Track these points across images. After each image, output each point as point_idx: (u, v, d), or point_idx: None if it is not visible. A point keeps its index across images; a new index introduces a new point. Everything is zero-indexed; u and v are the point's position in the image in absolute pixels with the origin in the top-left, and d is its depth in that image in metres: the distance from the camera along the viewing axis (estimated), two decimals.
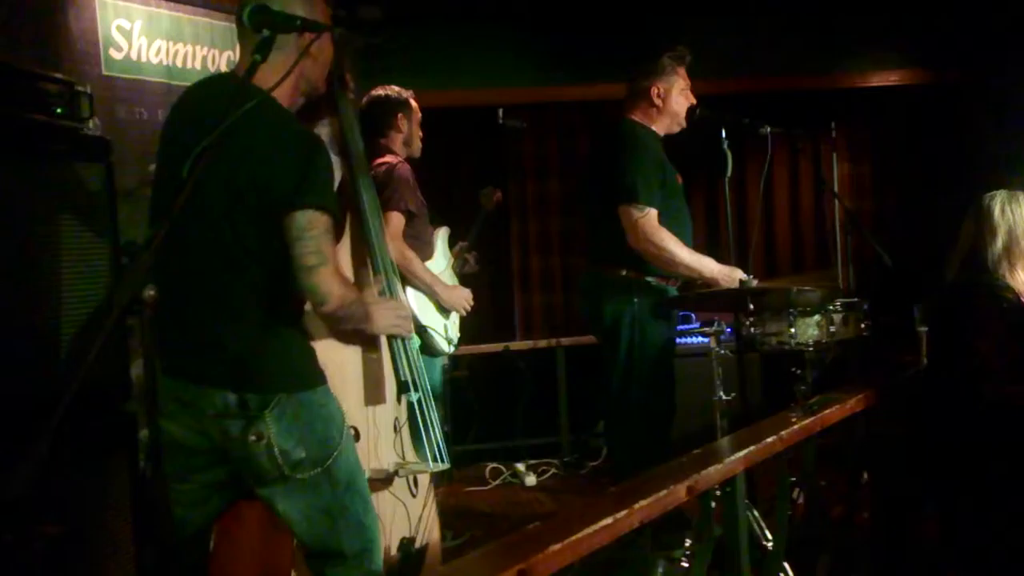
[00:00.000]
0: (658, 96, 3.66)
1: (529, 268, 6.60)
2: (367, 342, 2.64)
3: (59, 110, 2.59)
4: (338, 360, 2.54)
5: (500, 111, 5.95)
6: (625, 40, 5.99)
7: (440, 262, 4.07)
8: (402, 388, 2.68)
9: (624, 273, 3.61)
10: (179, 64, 4.09)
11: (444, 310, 3.94)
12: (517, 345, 5.91)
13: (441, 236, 4.18)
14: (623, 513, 1.84)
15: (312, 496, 2.17)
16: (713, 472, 2.15)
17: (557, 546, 1.65)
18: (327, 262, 2.08)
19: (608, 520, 1.80)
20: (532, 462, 5.31)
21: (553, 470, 5.27)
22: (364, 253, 2.72)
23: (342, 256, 2.60)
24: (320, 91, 2.41)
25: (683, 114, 3.68)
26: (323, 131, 2.67)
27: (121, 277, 1.39)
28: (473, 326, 6.32)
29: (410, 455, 2.75)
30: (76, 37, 3.74)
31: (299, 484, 2.14)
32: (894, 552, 3.41)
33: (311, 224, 2.05)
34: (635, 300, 3.60)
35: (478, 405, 5.58)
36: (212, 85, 2.34)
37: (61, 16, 3.70)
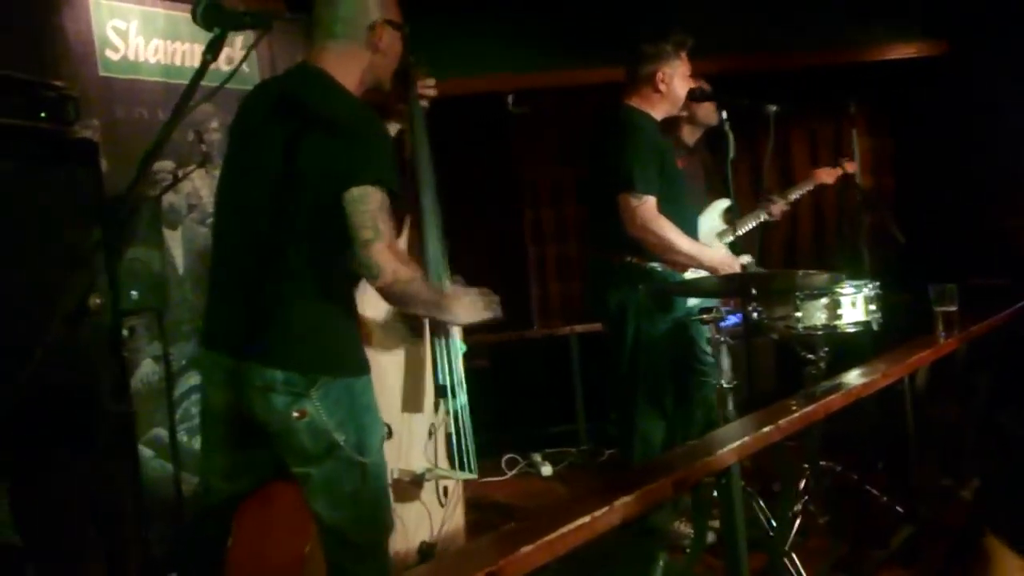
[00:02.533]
0: (662, 82, 3.61)
1: (545, 256, 6.55)
2: (413, 340, 2.64)
3: (43, 114, 2.58)
4: (382, 364, 2.53)
5: (509, 97, 5.93)
6: (637, 20, 5.91)
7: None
8: (440, 392, 2.65)
9: (627, 260, 3.56)
10: (177, 63, 4.07)
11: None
12: (532, 333, 5.86)
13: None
14: (602, 511, 1.79)
15: (344, 479, 2.22)
16: (702, 465, 2.10)
17: (529, 548, 1.61)
18: (381, 236, 2.09)
19: (585, 519, 1.75)
20: (549, 451, 5.28)
21: (570, 459, 5.23)
22: (419, 257, 2.68)
23: None
24: (386, 87, 2.46)
25: (683, 99, 3.63)
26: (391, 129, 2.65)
27: (69, 284, 1.36)
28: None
29: (443, 462, 2.73)
30: (71, 39, 3.73)
31: (334, 466, 2.19)
32: None
33: (365, 198, 2.08)
34: (639, 287, 3.55)
35: (495, 394, 5.54)
36: (266, 86, 2.51)
37: (55, 18, 3.69)
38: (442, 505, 2.73)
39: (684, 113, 3.98)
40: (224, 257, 2.28)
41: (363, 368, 2.28)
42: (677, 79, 3.63)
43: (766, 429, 2.37)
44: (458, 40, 6.12)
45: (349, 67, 2.31)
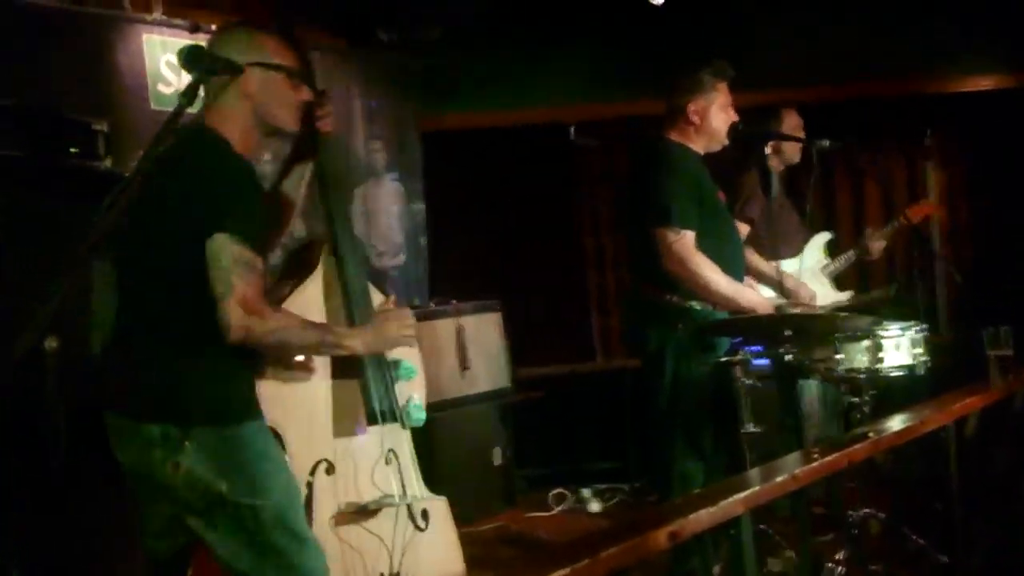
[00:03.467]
0: (695, 114, 3.51)
1: (606, 285, 6.49)
2: (342, 371, 2.57)
3: (73, 149, 2.64)
4: (307, 395, 2.51)
5: (572, 128, 5.91)
6: (698, 50, 5.83)
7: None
8: (371, 419, 2.56)
9: (667, 298, 3.48)
10: None
11: None
12: (584, 367, 5.79)
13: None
14: (584, 563, 1.73)
15: (237, 530, 2.16)
16: (703, 516, 2.02)
17: None
18: (231, 291, 2.06)
19: (564, 571, 1.69)
20: (599, 487, 5.19)
21: (620, 496, 5.13)
22: (339, 291, 2.64)
23: (311, 292, 2.57)
24: (288, 128, 2.38)
25: (724, 132, 3.53)
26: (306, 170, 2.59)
27: (24, 328, 1.37)
28: (549, 347, 6.31)
29: (413, 487, 2.66)
30: (124, 73, 3.86)
31: (222, 516, 2.14)
32: None
33: (220, 252, 2.05)
34: (679, 327, 3.46)
35: (545, 427, 5.49)
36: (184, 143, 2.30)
37: (109, 53, 3.82)
38: (421, 529, 2.65)
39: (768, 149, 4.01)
40: (117, 315, 2.26)
41: (248, 414, 2.23)
42: (713, 111, 3.51)
43: (780, 479, 2.27)
44: (522, 70, 6.16)
45: (230, 120, 2.24)
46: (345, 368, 2.56)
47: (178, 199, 2.09)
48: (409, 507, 2.63)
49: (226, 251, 2.05)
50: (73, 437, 2.60)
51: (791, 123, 4.47)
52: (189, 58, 1.95)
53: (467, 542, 2.90)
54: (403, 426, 2.68)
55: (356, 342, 2.39)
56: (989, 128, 6.21)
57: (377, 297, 2.72)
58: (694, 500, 2.12)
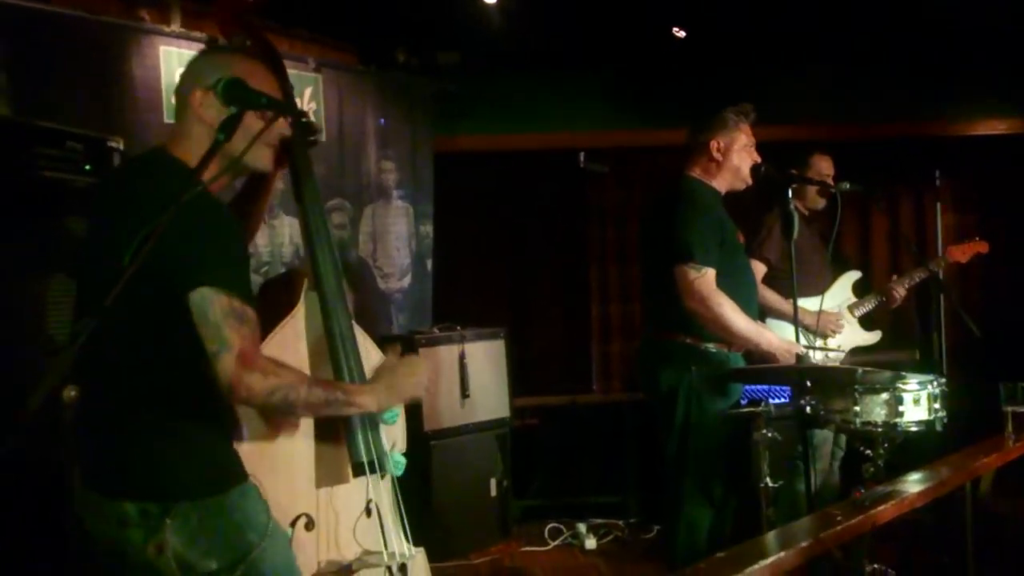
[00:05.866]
0: (718, 151, 3.50)
1: (609, 316, 6.43)
2: (323, 429, 2.38)
3: (87, 167, 2.57)
4: (288, 445, 2.32)
5: (582, 155, 5.86)
6: (713, 85, 5.82)
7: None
8: (357, 471, 2.37)
9: (682, 339, 3.43)
10: None
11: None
12: (585, 398, 5.72)
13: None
14: None
15: None
16: None
17: None
18: (228, 347, 1.85)
19: None
20: (596, 521, 5.11)
21: (616, 532, 5.05)
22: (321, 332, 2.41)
23: (288, 333, 2.37)
24: (262, 168, 2.15)
25: (746, 171, 3.50)
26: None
27: (42, 376, 1.26)
28: (547, 375, 6.25)
29: (392, 541, 2.49)
30: (139, 85, 3.79)
31: None
32: None
33: (206, 305, 1.85)
34: (692, 369, 3.41)
35: (543, 458, 5.41)
36: (152, 164, 2.10)
37: (125, 66, 3.75)
38: None
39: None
40: (84, 384, 2.03)
41: (228, 482, 2.02)
42: (736, 150, 3.51)
43: (804, 544, 2.20)
44: (534, 95, 6.12)
45: (190, 148, 2.00)
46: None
47: (152, 255, 1.63)
48: (389, 568, 2.47)
49: (213, 302, 1.85)
50: None
51: (819, 168, 4.45)
52: (230, 90, 1.84)
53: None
54: (381, 477, 2.46)
55: (368, 399, 2.19)
56: (1001, 172, 6.20)
57: (366, 342, 2.51)
58: (717, 565, 2.05)
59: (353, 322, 2.46)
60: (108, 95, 3.68)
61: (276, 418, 2.25)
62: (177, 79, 3.87)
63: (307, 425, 2.35)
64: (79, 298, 2.05)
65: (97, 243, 2.00)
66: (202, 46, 3.97)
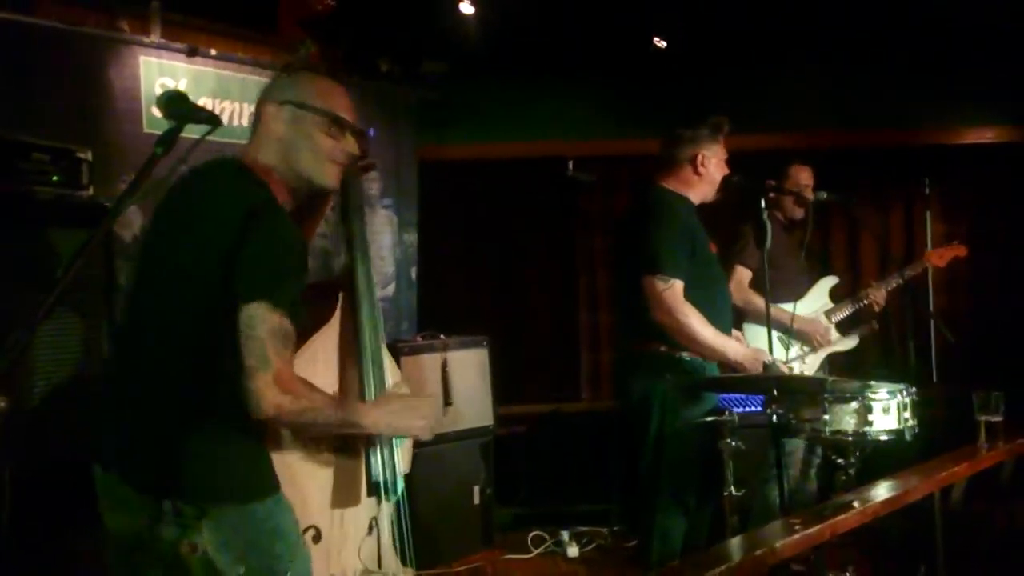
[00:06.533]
0: (702, 164, 3.54)
1: (598, 324, 6.44)
2: (344, 445, 2.41)
3: (55, 178, 2.59)
4: (310, 464, 2.35)
5: (569, 163, 5.88)
6: (701, 94, 5.84)
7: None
8: (373, 490, 2.42)
9: (657, 348, 3.44)
10: (225, 121, 4.12)
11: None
12: (570, 407, 5.73)
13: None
14: None
15: None
16: None
17: None
18: (267, 366, 1.89)
19: None
20: (580, 529, 5.11)
21: (599, 540, 5.05)
22: (355, 349, 2.47)
23: (325, 347, 2.41)
24: (323, 184, 2.19)
25: (718, 184, 3.55)
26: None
27: None
28: (536, 384, 6.25)
29: (388, 561, 2.53)
30: (117, 95, 3.81)
31: None
32: None
33: (255, 321, 1.89)
34: (667, 377, 3.42)
35: (528, 466, 5.42)
36: (214, 175, 2.18)
37: (102, 74, 3.77)
38: None
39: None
40: (122, 372, 2.10)
41: (266, 490, 2.06)
42: (714, 163, 3.55)
43: (759, 552, 2.21)
44: (521, 104, 6.14)
45: (256, 157, 2.12)
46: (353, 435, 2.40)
47: (213, 258, 1.89)
48: None
49: (264, 320, 1.89)
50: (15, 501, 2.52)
51: (798, 179, 4.49)
52: (170, 104, 1.85)
53: None
54: (390, 499, 2.51)
55: (369, 422, 2.20)
56: (989, 180, 6.20)
57: (391, 365, 2.57)
58: (675, 571, 2.06)
59: (384, 346, 2.53)
60: (87, 106, 3.68)
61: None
62: (157, 89, 3.94)
63: (328, 443, 2.38)
64: (134, 296, 2.12)
65: (160, 244, 2.09)
66: (182, 56, 4.01)
